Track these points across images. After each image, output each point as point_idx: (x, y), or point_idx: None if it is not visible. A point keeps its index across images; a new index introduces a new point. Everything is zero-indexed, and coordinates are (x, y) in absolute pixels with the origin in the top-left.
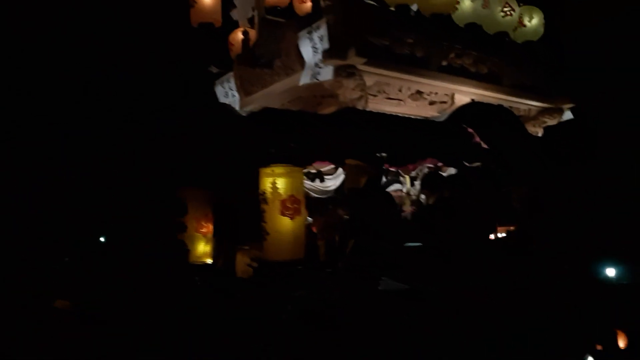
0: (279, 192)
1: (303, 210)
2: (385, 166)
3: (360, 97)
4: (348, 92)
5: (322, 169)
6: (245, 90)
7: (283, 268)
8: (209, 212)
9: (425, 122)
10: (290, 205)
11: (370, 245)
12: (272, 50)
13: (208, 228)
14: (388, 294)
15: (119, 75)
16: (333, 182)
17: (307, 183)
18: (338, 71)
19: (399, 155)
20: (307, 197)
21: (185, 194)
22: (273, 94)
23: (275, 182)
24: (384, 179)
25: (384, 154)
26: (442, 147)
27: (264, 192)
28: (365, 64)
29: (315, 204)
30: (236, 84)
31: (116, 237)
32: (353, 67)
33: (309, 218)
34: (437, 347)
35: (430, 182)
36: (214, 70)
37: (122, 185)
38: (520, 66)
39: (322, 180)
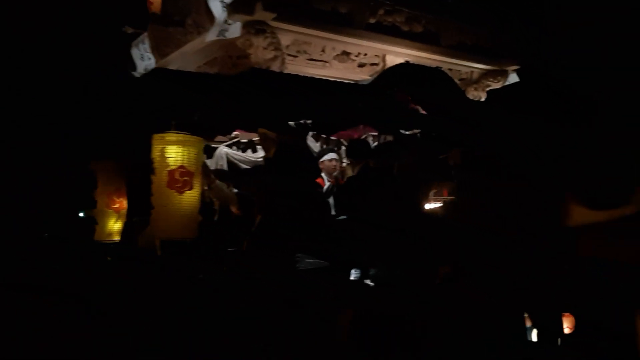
0: (166, 162)
1: (197, 184)
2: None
3: (275, 58)
4: (260, 52)
5: (254, 138)
6: (159, 51)
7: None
8: (121, 186)
9: (354, 86)
10: (178, 178)
11: (278, 220)
12: (185, 6)
13: (121, 203)
14: (307, 272)
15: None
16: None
17: (237, 154)
18: (246, 28)
19: (325, 122)
20: (237, 168)
21: (95, 166)
22: (188, 55)
23: (164, 150)
24: (317, 148)
25: (308, 121)
26: (374, 113)
27: (153, 161)
28: (277, 19)
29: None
30: (150, 45)
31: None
32: (263, 23)
33: (236, 190)
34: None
35: (355, 149)
36: (129, 30)
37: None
38: (460, 25)
39: (254, 150)
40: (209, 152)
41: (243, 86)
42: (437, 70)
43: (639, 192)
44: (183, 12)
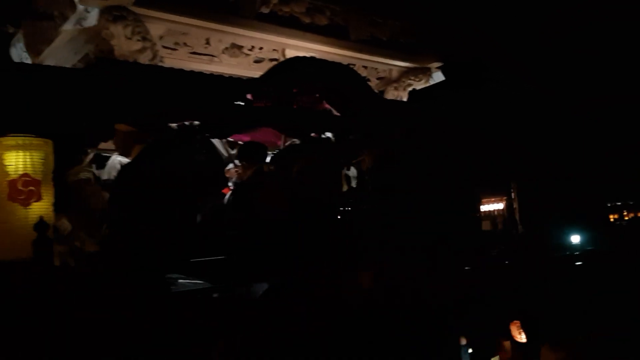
0: (6, 171)
1: (47, 194)
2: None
3: (144, 49)
4: (124, 43)
5: None
6: (33, 49)
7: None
8: None
9: (242, 82)
10: (22, 189)
11: (135, 235)
12: None
13: None
14: (185, 295)
15: None
16: None
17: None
18: (103, 14)
19: (213, 124)
20: None
21: None
22: (59, 52)
23: (2, 156)
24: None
25: (195, 122)
26: (275, 113)
27: None
28: (141, 5)
29: None
30: (24, 42)
31: None
32: (122, 8)
33: None
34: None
35: (248, 152)
36: (10, 30)
37: None
38: (371, 17)
39: None
40: (102, 161)
41: (93, 80)
42: (341, 66)
43: None
44: (52, 2)
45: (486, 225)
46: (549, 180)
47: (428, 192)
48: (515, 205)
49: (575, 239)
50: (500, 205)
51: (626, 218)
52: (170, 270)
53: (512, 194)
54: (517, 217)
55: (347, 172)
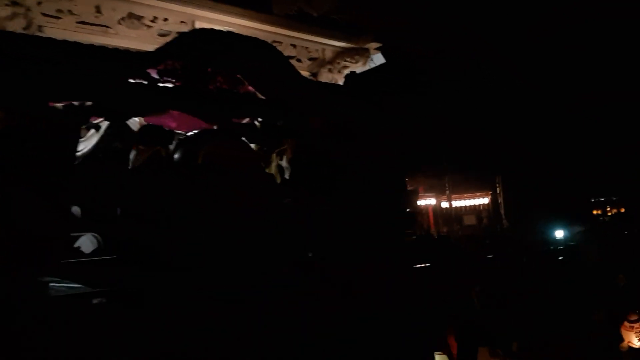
0: None
1: None
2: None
3: (14, 16)
4: None
5: None
6: None
7: None
8: None
9: (135, 55)
10: None
11: None
12: None
13: None
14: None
15: None
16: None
17: None
18: None
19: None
20: None
21: None
22: None
23: None
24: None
25: (87, 102)
26: (183, 94)
27: None
28: None
29: None
30: None
31: None
32: None
33: None
34: None
35: (145, 134)
36: None
37: None
38: None
39: None
40: None
41: None
42: (259, 42)
43: None
44: None
45: (471, 220)
46: (534, 175)
47: (353, 186)
48: (500, 199)
49: (559, 233)
50: (485, 200)
51: (609, 213)
52: (40, 273)
53: (497, 189)
54: (502, 211)
55: (280, 162)
